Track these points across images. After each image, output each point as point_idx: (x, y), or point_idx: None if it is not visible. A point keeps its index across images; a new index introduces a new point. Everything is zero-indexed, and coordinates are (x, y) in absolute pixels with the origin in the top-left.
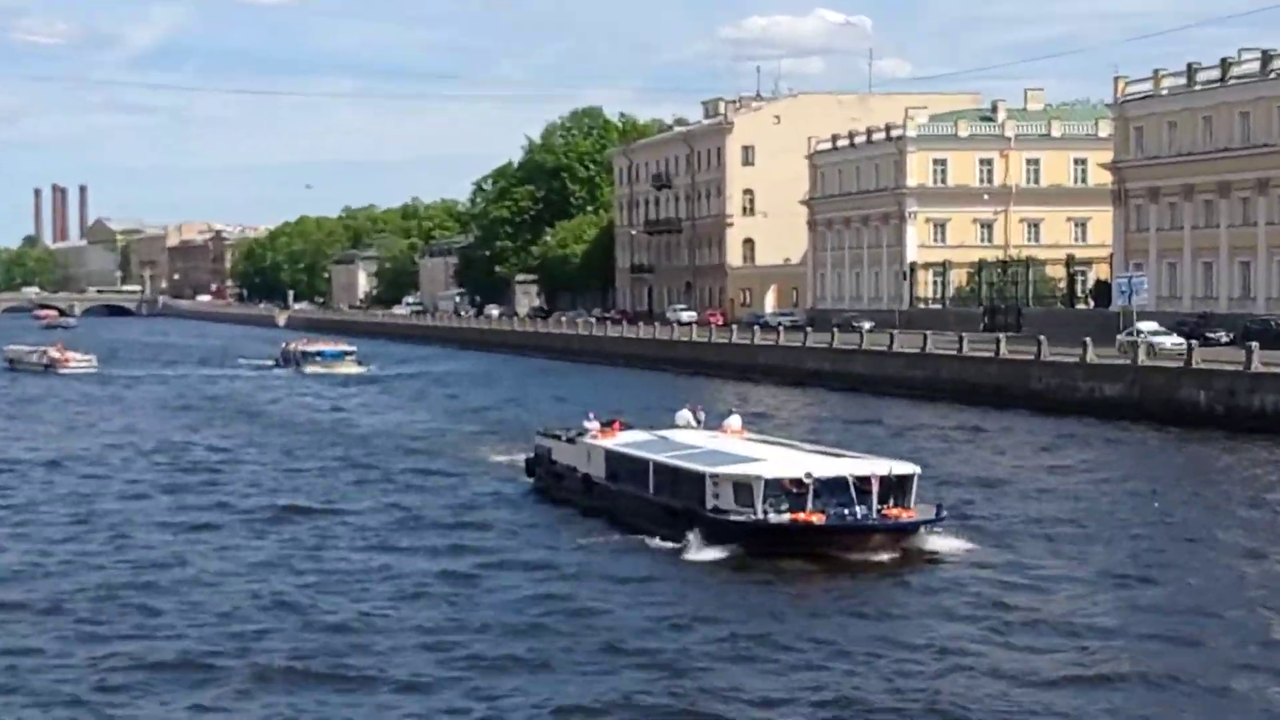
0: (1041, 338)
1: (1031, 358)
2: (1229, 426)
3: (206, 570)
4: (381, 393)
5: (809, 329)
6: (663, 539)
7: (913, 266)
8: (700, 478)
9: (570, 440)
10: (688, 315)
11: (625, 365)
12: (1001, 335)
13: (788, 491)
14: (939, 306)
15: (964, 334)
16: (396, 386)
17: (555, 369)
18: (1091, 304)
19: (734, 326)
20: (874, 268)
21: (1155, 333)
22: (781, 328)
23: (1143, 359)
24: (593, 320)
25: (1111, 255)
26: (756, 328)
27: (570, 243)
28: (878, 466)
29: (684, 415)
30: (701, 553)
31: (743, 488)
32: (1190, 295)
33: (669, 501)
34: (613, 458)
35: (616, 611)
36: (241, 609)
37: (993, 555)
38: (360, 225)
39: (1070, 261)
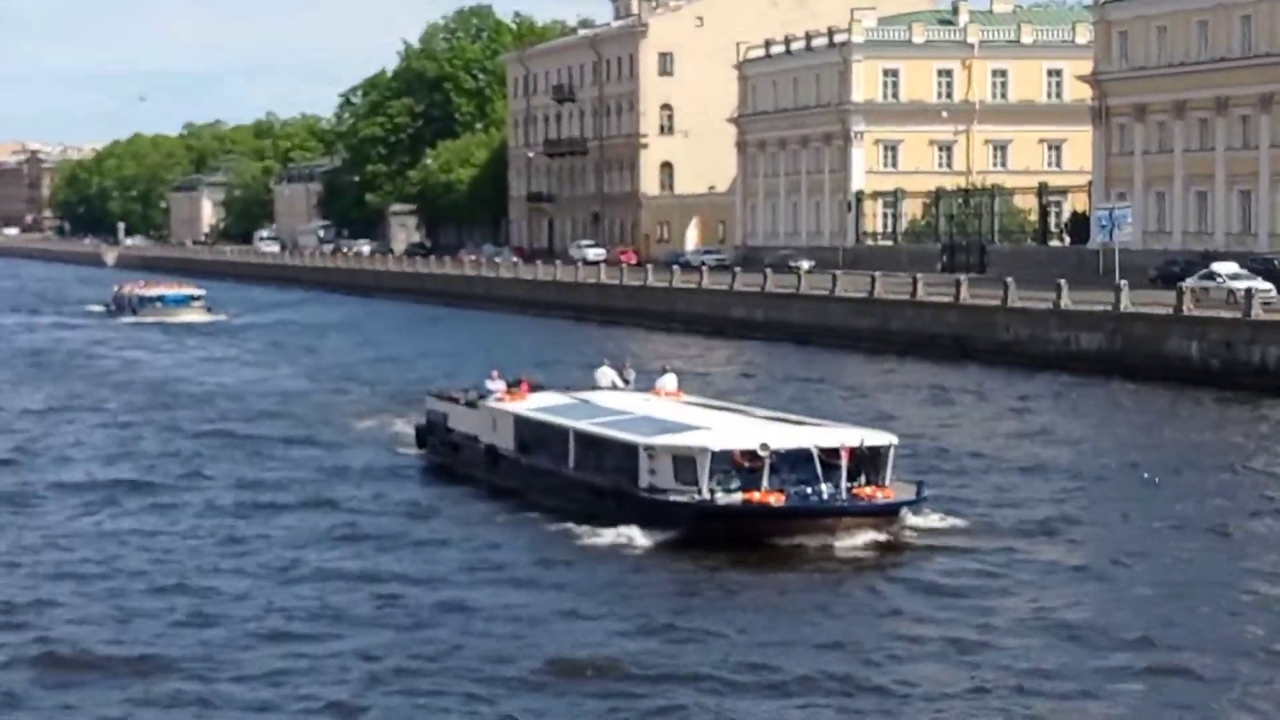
0: (1009, 280)
1: (998, 303)
2: (1224, 383)
3: (18, 551)
4: (234, 345)
5: (738, 270)
6: (586, 524)
7: (859, 196)
8: (632, 450)
9: (470, 404)
10: (595, 253)
11: (520, 312)
12: (963, 277)
13: (739, 466)
14: (890, 243)
15: (919, 275)
16: (252, 338)
17: (439, 317)
18: (1067, 240)
19: (649, 267)
20: (814, 197)
21: (1236, 275)
22: (705, 268)
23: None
24: (516, 260)
25: (1090, 183)
26: (676, 268)
27: (455, 167)
28: (847, 436)
29: (606, 373)
30: (633, 540)
31: (684, 462)
32: (1182, 230)
33: (593, 479)
34: (524, 425)
35: (532, 615)
36: (54, 599)
37: (978, 541)
38: (205, 145)
39: (1042, 190)
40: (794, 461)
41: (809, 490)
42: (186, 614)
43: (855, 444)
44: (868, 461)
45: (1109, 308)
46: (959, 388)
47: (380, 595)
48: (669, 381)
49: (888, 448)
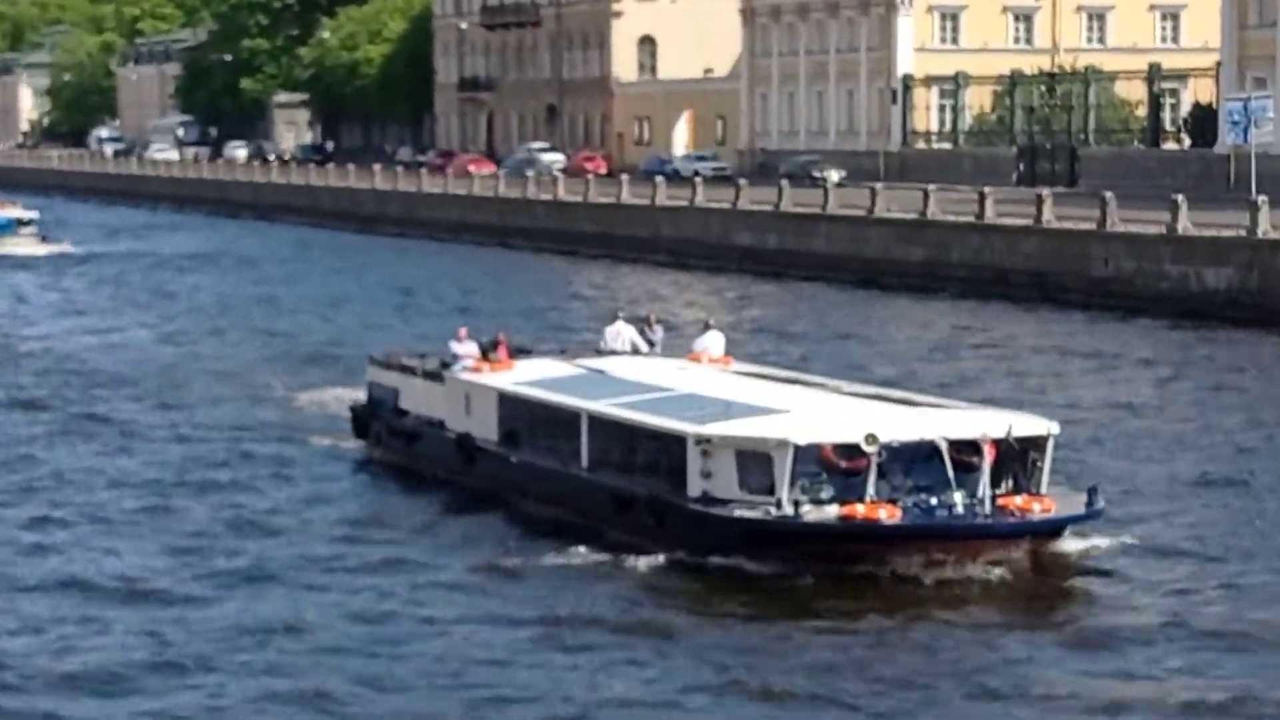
0: (1108, 196)
1: (1093, 227)
2: None
3: None
4: (79, 285)
5: (743, 182)
6: (607, 548)
7: (907, 83)
8: (677, 443)
9: (432, 376)
10: (551, 159)
11: (453, 239)
12: (1046, 192)
13: (833, 467)
14: (948, 146)
15: (987, 190)
16: (102, 275)
17: (342, 245)
18: (1187, 142)
19: (624, 178)
20: (846, 85)
21: None
22: (700, 180)
23: None
24: (442, 166)
25: (1218, 65)
26: (660, 180)
27: (361, 44)
28: (989, 423)
29: (623, 331)
30: (679, 572)
31: (755, 460)
32: None
33: (618, 483)
34: (513, 407)
35: (547, 699)
36: None
37: (1164, 570)
38: (22, 14)
39: (1154, 75)
40: (913, 460)
41: (935, 501)
42: None
43: (1000, 434)
44: (1017, 459)
45: (1243, 233)
46: (1047, 339)
47: (299, 697)
48: (713, 342)
49: (1045, 439)
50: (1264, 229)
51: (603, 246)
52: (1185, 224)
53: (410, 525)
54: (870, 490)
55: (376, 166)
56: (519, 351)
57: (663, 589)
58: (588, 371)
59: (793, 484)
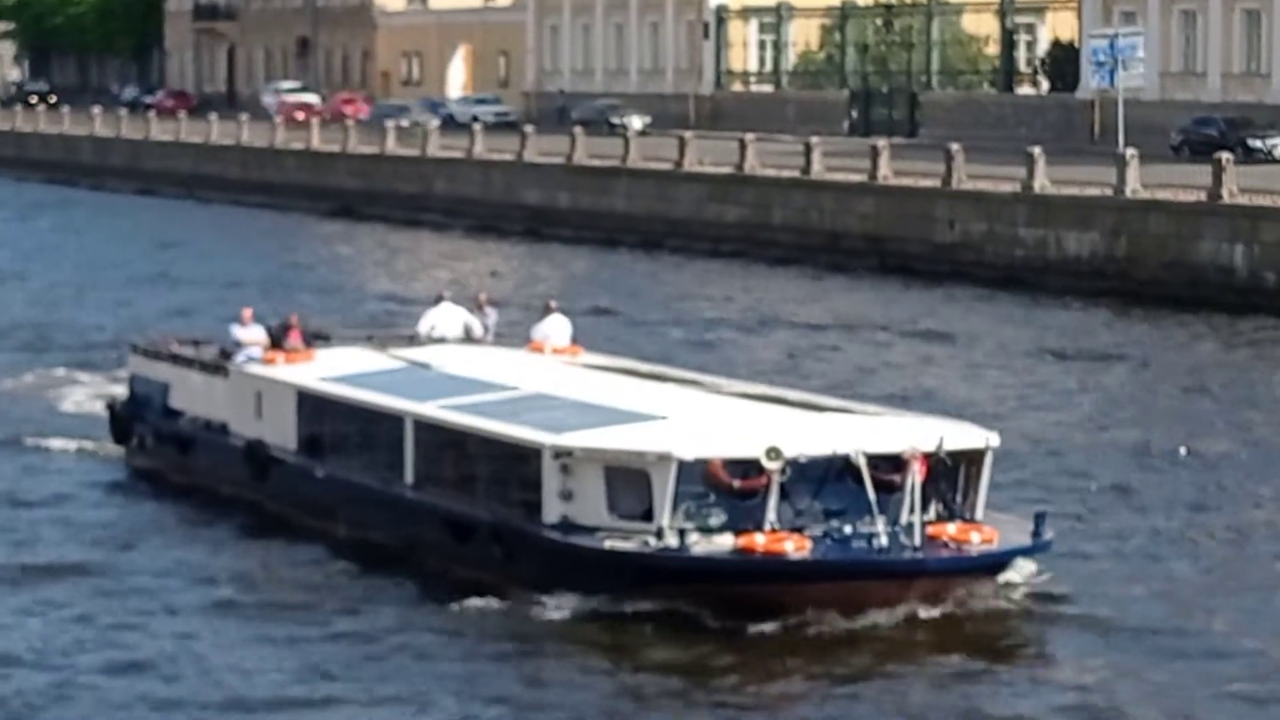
0: (953, 147)
1: (936, 184)
2: None
3: None
4: None
5: (530, 130)
6: (441, 587)
7: (720, 16)
8: (529, 456)
9: (212, 368)
10: (304, 100)
11: (185, 194)
12: (883, 142)
13: (724, 487)
14: (769, 89)
15: (815, 140)
16: None
17: (51, 202)
18: (1044, 86)
19: (390, 124)
20: (650, 17)
21: None
22: (479, 127)
23: None
24: (175, 109)
25: None
26: (431, 126)
27: None
28: (916, 434)
29: (449, 314)
30: (531, 616)
31: (628, 479)
32: (1221, 71)
33: (453, 505)
34: (316, 408)
35: None
36: None
37: (1118, 610)
38: None
39: (1007, 8)
40: (823, 479)
41: (851, 530)
42: None
43: (930, 448)
44: (948, 478)
45: (1109, 192)
46: (893, 320)
47: None
48: (557, 329)
49: (982, 453)
50: (1133, 187)
51: (364, 204)
52: (1043, 181)
53: (180, 555)
54: (771, 516)
55: (96, 110)
56: (316, 338)
57: (513, 635)
58: (409, 365)
59: (675, 508)
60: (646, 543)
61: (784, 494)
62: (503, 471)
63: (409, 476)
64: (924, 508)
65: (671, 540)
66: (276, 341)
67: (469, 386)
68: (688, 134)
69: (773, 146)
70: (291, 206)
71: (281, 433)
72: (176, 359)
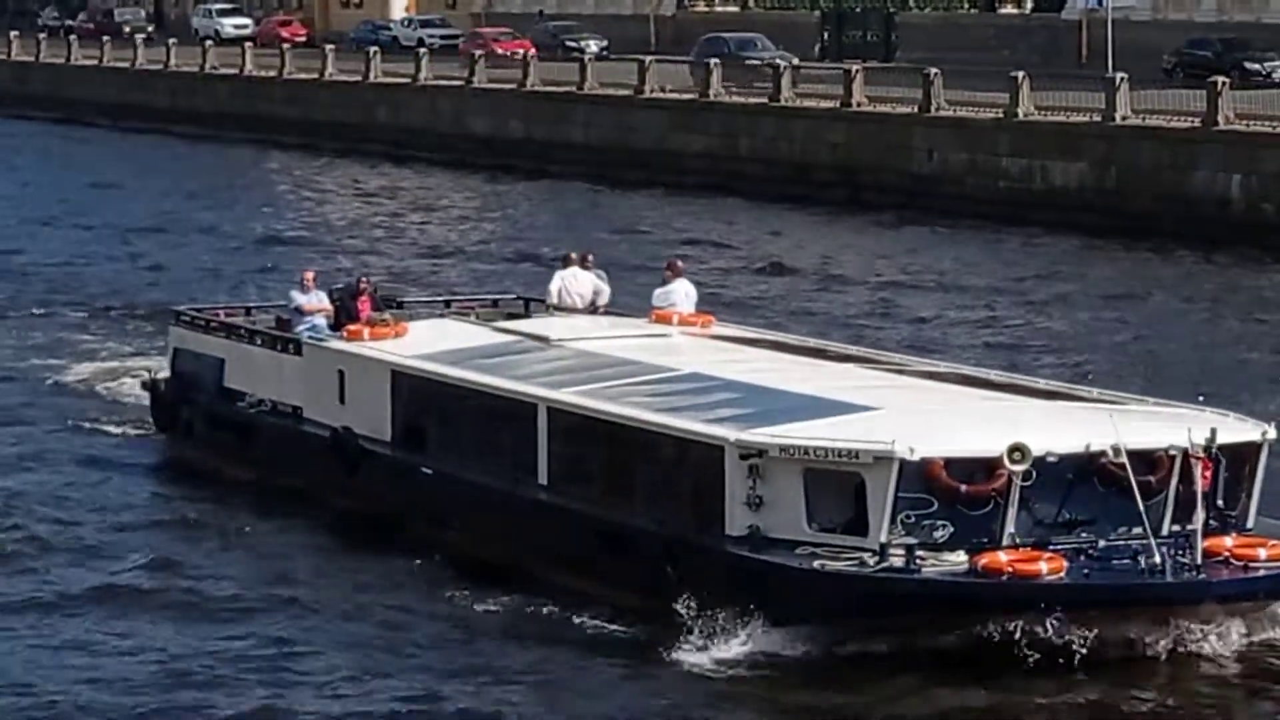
0: (932, 71)
1: (913, 111)
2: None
3: None
4: None
5: (479, 52)
6: (586, 611)
7: None
8: (706, 453)
9: (283, 342)
10: (235, 26)
11: (110, 125)
12: (856, 66)
13: (950, 493)
14: (735, 9)
15: (783, 62)
16: None
17: None
18: (1029, 5)
19: (329, 50)
20: None
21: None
22: (425, 52)
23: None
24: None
25: None
26: (375, 51)
27: None
28: (1183, 426)
29: (580, 279)
30: (716, 651)
31: (835, 482)
32: None
33: (609, 513)
34: (419, 392)
35: None
36: None
37: None
38: None
39: None
40: (1069, 482)
41: (1107, 545)
42: None
43: (1200, 440)
44: (1224, 480)
45: (1098, 119)
46: (873, 259)
47: None
48: (679, 294)
49: (1257, 449)
50: (1123, 114)
51: (302, 134)
52: (1027, 107)
53: (250, 567)
54: (1009, 528)
55: (14, 34)
56: (386, 303)
57: (698, 676)
58: (525, 340)
59: (894, 519)
60: (863, 562)
61: (1026, 500)
62: (670, 473)
63: (543, 476)
64: (1183, 513)
65: (897, 559)
66: (346, 310)
67: (609, 367)
68: (648, 58)
69: (739, 71)
70: (223, 137)
71: (373, 420)
72: (232, 331)
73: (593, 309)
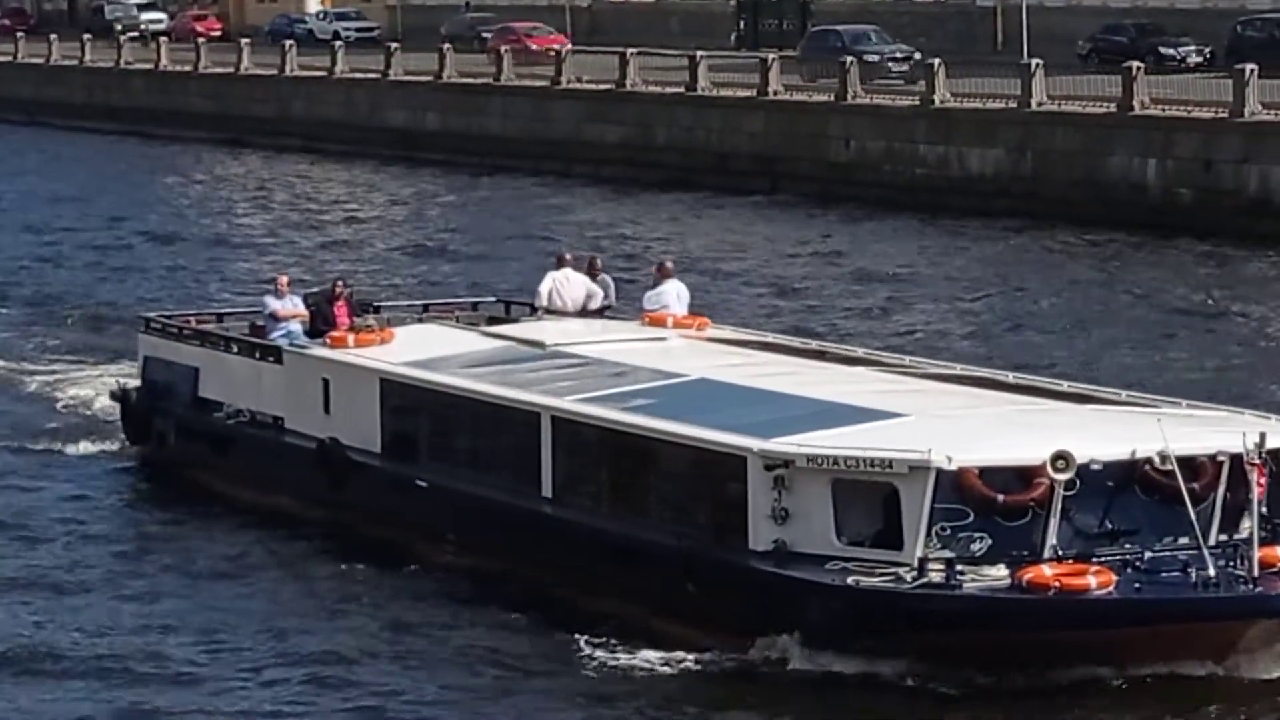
0: (848, 60)
1: (830, 99)
2: (1201, 226)
3: None
4: None
5: (396, 46)
6: (590, 629)
7: None
8: (727, 463)
9: (262, 350)
10: (152, 20)
11: (25, 121)
12: (773, 55)
13: (984, 503)
14: None
15: (700, 54)
16: None
17: None
18: None
19: (245, 43)
20: None
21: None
22: (344, 43)
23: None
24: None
25: None
26: (291, 45)
27: None
28: (1230, 430)
29: (572, 281)
30: (742, 664)
31: (866, 493)
32: None
33: (620, 526)
34: (410, 400)
35: None
36: None
37: None
38: None
39: None
40: (1112, 491)
41: (1154, 557)
42: None
43: (1254, 447)
44: (1270, 486)
45: (1013, 105)
46: (797, 249)
47: None
48: (675, 295)
49: None
50: (1038, 99)
51: (218, 129)
52: (943, 94)
53: (238, 591)
54: (1051, 540)
55: None
56: (364, 309)
57: (721, 697)
58: (520, 345)
59: (929, 532)
60: (898, 577)
61: (1068, 510)
62: (686, 484)
63: (547, 488)
64: (1230, 521)
65: (936, 574)
66: (322, 315)
67: (611, 373)
68: (565, 47)
69: (655, 61)
70: (139, 132)
71: (361, 431)
72: (207, 338)
73: (583, 313)
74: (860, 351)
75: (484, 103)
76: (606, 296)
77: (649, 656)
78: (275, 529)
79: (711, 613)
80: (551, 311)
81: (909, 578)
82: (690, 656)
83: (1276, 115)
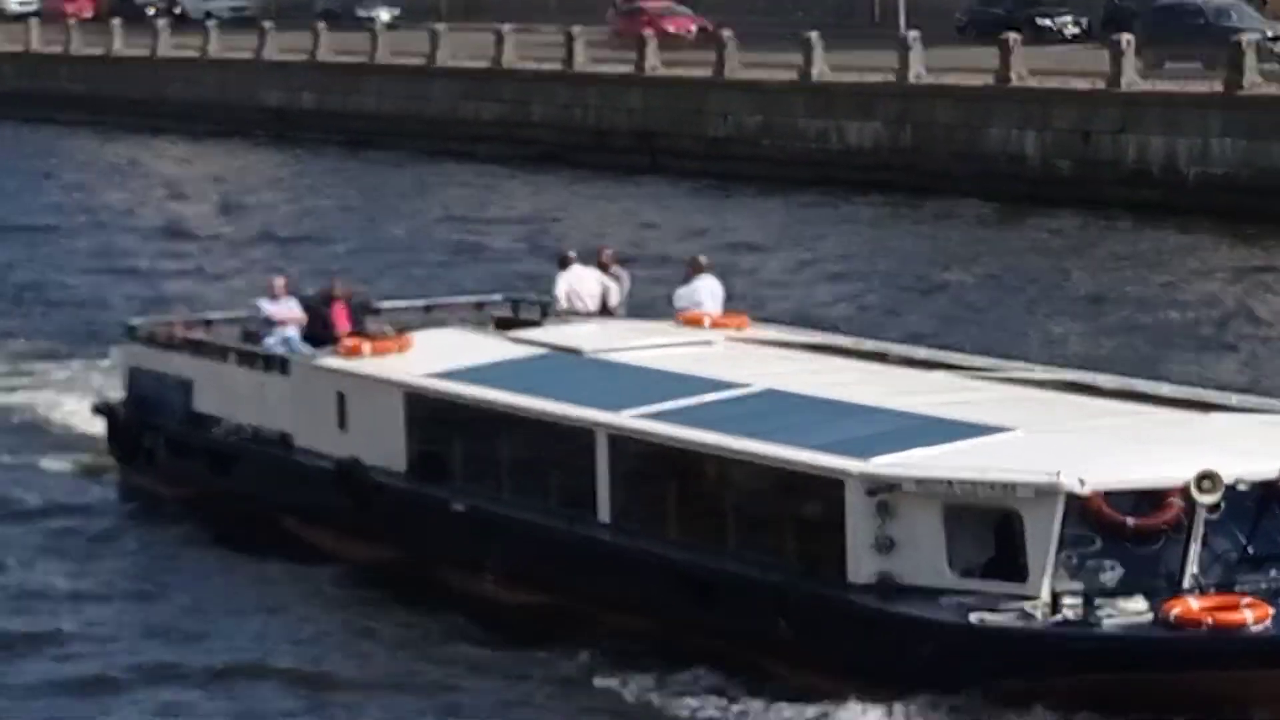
0: (725, 34)
1: (708, 74)
2: (1080, 196)
3: None
4: None
5: (269, 25)
6: (675, 673)
7: None
8: (824, 488)
9: (265, 360)
10: (21, 1)
11: None
12: (649, 31)
13: (1114, 529)
14: None
15: (576, 30)
16: None
17: None
18: None
19: (116, 22)
20: None
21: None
22: (214, 23)
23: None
24: None
25: None
26: (162, 24)
27: None
28: None
29: (585, 279)
30: (846, 717)
31: (983, 519)
32: None
33: (692, 555)
34: (440, 416)
35: None
36: None
37: None
38: None
39: None
40: (1254, 514)
41: None
42: None
43: None
44: None
45: (892, 78)
46: (684, 223)
47: None
48: (705, 293)
49: None
50: (916, 72)
51: (87, 111)
52: (822, 68)
53: (249, 628)
54: (1191, 569)
55: None
56: (363, 308)
57: None
58: (555, 352)
59: (1061, 556)
60: (1028, 614)
61: (1207, 536)
62: (770, 509)
63: (604, 513)
64: None
65: (1071, 610)
66: (320, 319)
67: (664, 383)
68: (440, 26)
69: (532, 39)
70: (12, 116)
71: (384, 450)
72: (202, 347)
73: (604, 311)
74: (923, 352)
75: (360, 81)
76: (622, 290)
77: (735, 700)
78: (282, 556)
79: (807, 653)
80: (572, 313)
81: (1040, 614)
82: (778, 702)
83: (1153, 85)
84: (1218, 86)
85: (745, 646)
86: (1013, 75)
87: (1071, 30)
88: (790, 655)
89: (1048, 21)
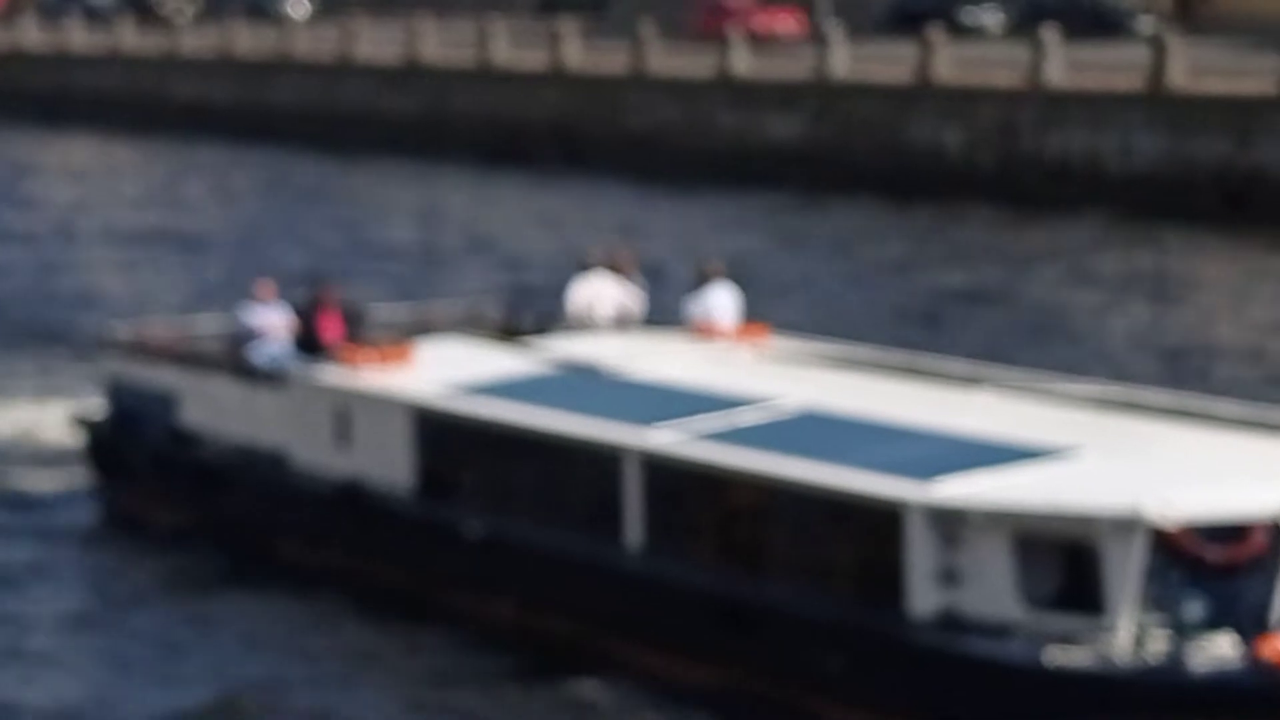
0: (645, 29)
1: (625, 70)
2: (1004, 194)
3: None
4: None
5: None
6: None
7: None
8: (881, 515)
9: (259, 374)
10: None
11: None
12: (568, 26)
13: (1194, 562)
14: None
15: (495, 22)
16: None
17: None
18: None
19: (28, 17)
20: None
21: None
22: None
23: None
24: None
25: None
26: (71, 21)
27: None
28: None
29: (604, 286)
30: None
31: (1058, 551)
32: None
33: (731, 585)
34: (451, 435)
35: None
36: None
37: None
38: None
39: None
40: None
41: None
42: None
43: None
44: None
45: (813, 73)
46: (603, 217)
47: None
48: (722, 302)
49: None
50: (837, 67)
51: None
52: (744, 64)
53: (243, 659)
54: (1277, 604)
55: None
56: (354, 318)
57: None
58: (571, 366)
59: (1137, 599)
60: (1108, 653)
61: (1265, 563)
62: (819, 537)
63: (633, 538)
64: None
65: (1153, 650)
66: (309, 327)
67: (692, 399)
68: (357, 19)
69: (450, 31)
70: None
71: (389, 470)
72: (188, 359)
73: (619, 320)
74: (957, 367)
75: (274, 76)
76: (639, 298)
77: None
78: (276, 582)
79: (860, 691)
80: (586, 321)
81: (1120, 654)
82: None
83: (1074, 82)
84: None
85: (777, 680)
86: (934, 71)
87: (992, 25)
88: (841, 694)
89: (970, 17)
